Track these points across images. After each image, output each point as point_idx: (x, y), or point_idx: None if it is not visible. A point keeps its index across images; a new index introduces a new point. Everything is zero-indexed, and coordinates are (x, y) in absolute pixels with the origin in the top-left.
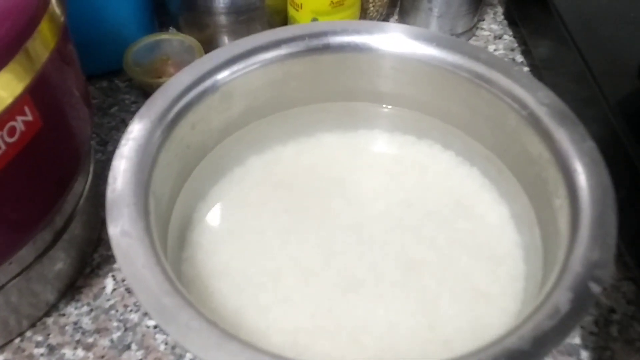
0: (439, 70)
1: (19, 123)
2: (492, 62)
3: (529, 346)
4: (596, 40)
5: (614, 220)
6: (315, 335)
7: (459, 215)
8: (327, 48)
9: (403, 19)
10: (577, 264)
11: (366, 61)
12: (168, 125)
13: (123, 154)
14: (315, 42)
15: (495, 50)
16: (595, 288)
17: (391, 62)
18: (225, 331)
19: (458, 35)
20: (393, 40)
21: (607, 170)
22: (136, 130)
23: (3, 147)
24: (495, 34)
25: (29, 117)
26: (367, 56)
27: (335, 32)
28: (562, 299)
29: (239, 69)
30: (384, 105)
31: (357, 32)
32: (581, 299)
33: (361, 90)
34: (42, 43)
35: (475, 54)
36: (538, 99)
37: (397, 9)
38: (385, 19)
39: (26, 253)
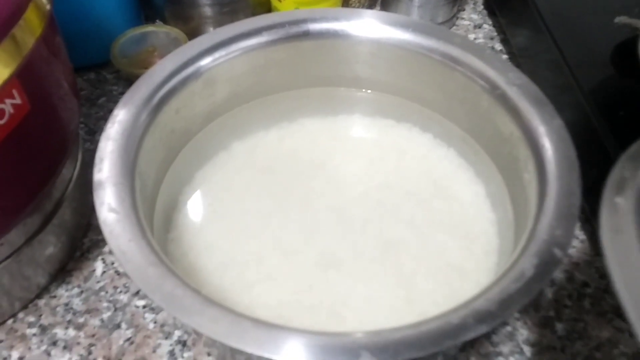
0: (415, 55)
1: (7, 106)
2: (465, 45)
3: (496, 307)
4: (570, 29)
5: (579, 191)
6: (297, 310)
7: (436, 195)
8: (306, 35)
9: (385, 9)
10: (542, 233)
11: (345, 47)
12: (152, 110)
13: (109, 136)
14: (295, 29)
15: (475, 39)
16: (559, 253)
17: (369, 47)
18: (208, 298)
19: (438, 25)
20: (370, 26)
21: (573, 146)
22: (122, 114)
23: None
24: (475, 23)
25: (18, 101)
26: (345, 42)
27: (314, 20)
28: (528, 264)
29: (222, 56)
30: (364, 90)
31: (335, 19)
32: (545, 263)
33: (341, 76)
34: (29, 30)
35: (449, 38)
36: (509, 80)
37: (379, 0)
38: (368, 9)
39: (16, 236)
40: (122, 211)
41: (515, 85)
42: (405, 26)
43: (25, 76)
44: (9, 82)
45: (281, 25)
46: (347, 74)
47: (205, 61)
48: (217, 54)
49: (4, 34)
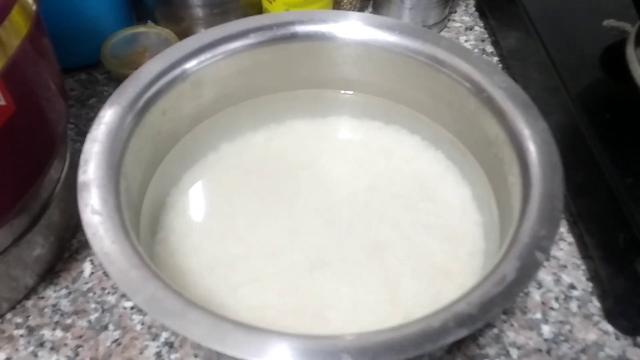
0: (402, 57)
1: None
2: (451, 48)
3: (477, 311)
4: (559, 32)
5: (561, 195)
6: (282, 311)
7: (423, 198)
8: (294, 37)
9: (376, 11)
10: (525, 236)
11: (332, 49)
12: (139, 111)
13: (95, 138)
14: (283, 31)
15: (466, 41)
16: (541, 257)
17: (356, 50)
18: (190, 300)
19: (430, 27)
20: (357, 28)
21: (557, 149)
22: (107, 116)
23: None
24: (466, 25)
25: (2, 102)
26: (333, 44)
27: (302, 22)
28: (510, 267)
29: (208, 58)
30: (352, 92)
31: (323, 21)
32: (527, 267)
33: (329, 78)
34: (14, 31)
35: (436, 41)
36: (495, 83)
37: (371, 2)
38: (359, 11)
39: (3, 237)
40: (106, 213)
41: (500, 88)
42: (391, 29)
43: (10, 77)
44: None
45: (268, 27)
46: (335, 76)
47: (192, 63)
48: (204, 56)
49: None
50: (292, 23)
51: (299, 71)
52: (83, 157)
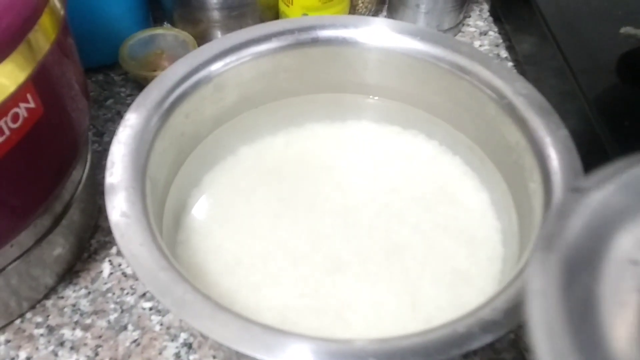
0: (422, 63)
1: (21, 110)
2: (472, 54)
3: (502, 317)
4: (576, 37)
5: None
6: (303, 313)
7: (441, 202)
8: (315, 41)
9: (391, 15)
10: None
11: (353, 54)
12: (163, 113)
13: (121, 140)
14: (305, 36)
15: (480, 46)
16: None
17: (377, 55)
18: (218, 303)
19: (444, 32)
20: (378, 34)
21: (579, 156)
22: (133, 118)
23: (7, 132)
24: (480, 30)
25: (32, 105)
26: (354, 49)
27: (323, 26)
28: None
29: (232, 61)
30: (371, 97)
31: (344, 26)
32: None
33: (349, 82)
34: (44, 35)
35: (457, 47)
36: (516, 90)
37: (386, 6)
38: (374, 15)
39: (26, 237)
40: (134, 215)
41: (521, 94)
42: (413, 34)
43: (39, 80)
44: (23, 86)
45: (290, 31)
46: (355, 80)
47: (216, 66)
48: (227, 59)
49: (20, 38)
50: (313, 28)
51: (319, 75)
52: (110, 159)
